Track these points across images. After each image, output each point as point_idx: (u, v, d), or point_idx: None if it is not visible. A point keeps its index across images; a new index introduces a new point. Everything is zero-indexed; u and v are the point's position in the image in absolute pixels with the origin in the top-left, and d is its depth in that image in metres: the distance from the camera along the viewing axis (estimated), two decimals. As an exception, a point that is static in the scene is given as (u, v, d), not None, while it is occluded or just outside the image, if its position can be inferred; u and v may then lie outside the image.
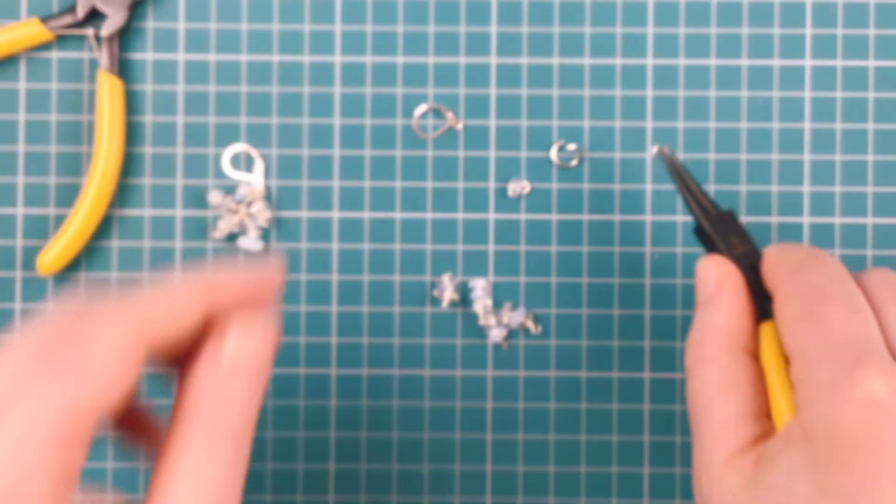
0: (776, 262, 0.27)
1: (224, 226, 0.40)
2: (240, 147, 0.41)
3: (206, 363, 0.24)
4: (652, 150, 0.28)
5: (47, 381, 0.21)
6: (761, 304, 0.28)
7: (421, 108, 0.41)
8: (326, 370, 0.40)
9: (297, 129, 0.41)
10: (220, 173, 0.41)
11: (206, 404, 0.23)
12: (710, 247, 0.30)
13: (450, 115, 0.41)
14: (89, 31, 0.40)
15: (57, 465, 0.21)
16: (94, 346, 0.21)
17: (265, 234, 0.40)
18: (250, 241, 0.40)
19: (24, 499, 0.21)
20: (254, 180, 0.40)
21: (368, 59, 0.41)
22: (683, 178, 0.31)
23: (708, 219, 0.30)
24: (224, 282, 0.25)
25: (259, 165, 0.40)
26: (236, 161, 0.41)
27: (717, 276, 0.28)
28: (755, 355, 0.27)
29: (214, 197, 0.40)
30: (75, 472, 0.22)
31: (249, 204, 0.40)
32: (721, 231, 0.29)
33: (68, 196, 0.40)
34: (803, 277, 0.25)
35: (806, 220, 0.40)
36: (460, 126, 0.41)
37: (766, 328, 0.27)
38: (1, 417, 0.21)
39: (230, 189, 0.41)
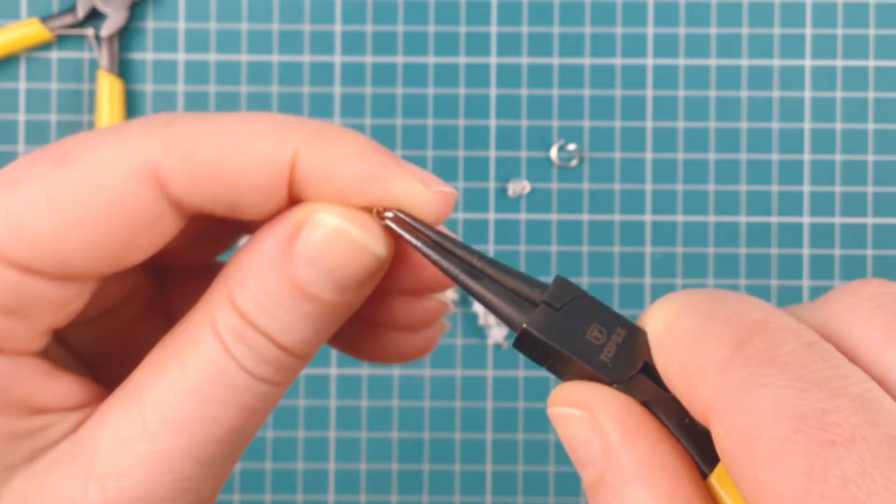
0: (688, 360, 0.14)
1: (224, 226, 0.40)
2: (240, 147, 0.41)
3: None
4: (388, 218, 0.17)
5: None
6: (688, 434, 0.14)
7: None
8: (326, 370, 0.40)
9: (297, 129, 0.41)
10: (220, 173, 0.41)
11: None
12: (555, 362, 0.15)
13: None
14: (89, 31, 0.40)
15: None
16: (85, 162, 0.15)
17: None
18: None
19: None
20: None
21: (368, 59, 0.41)
22: (462, 254, 0.16)
23: (540, 315, 0.15)
24: (350, 151, 0.16)
25: (259, 165, 0.40)
26: (236, 161, 0.41)
27: (603, 428, 0.14)
28: None
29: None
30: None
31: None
32: (568, 330, 0.15)
33: (68, 196, 0.40)
34: (766, 396, 0.12)
35: (806, 220, 0.40)
36: (461, 125, 0.41)
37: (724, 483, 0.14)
38: None
39: (230, 189, 0.41)
